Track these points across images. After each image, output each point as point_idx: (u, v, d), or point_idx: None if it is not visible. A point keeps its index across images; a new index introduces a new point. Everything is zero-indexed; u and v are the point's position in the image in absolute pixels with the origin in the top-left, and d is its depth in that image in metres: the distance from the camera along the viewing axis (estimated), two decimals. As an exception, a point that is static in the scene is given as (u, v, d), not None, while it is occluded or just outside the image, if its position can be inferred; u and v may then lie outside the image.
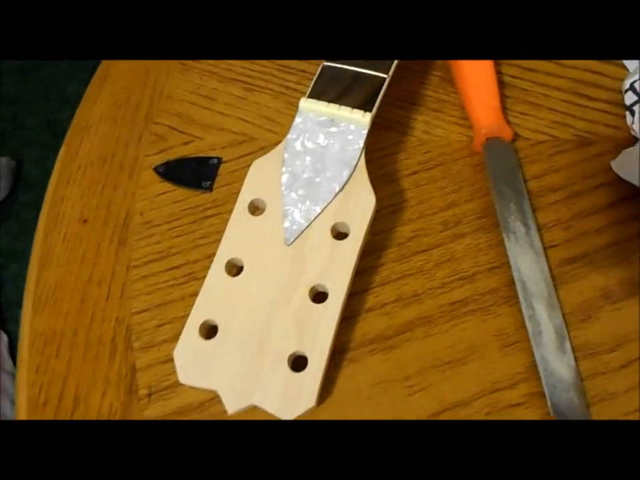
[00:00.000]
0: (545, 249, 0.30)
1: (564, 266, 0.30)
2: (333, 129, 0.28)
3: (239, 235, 0.27)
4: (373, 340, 0.28)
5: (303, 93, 0.36)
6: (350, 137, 0.28)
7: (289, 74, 0.37)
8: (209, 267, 0.29)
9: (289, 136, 0.28)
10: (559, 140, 0.34)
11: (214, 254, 0.30)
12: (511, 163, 0.32)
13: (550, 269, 0.29)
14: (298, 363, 0.25)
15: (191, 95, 0.36)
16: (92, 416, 0.26)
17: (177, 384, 0.26)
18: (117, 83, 0.37)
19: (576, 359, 0.27)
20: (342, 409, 0.26)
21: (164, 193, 0.32)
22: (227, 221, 0.31)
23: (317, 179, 0.27)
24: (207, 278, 0.26)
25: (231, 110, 0.35)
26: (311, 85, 0.29)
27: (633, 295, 0.29)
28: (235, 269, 0.27)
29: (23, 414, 0.26)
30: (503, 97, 0.35)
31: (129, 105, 0.36)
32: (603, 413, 0.26)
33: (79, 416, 0.26)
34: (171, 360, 0.27)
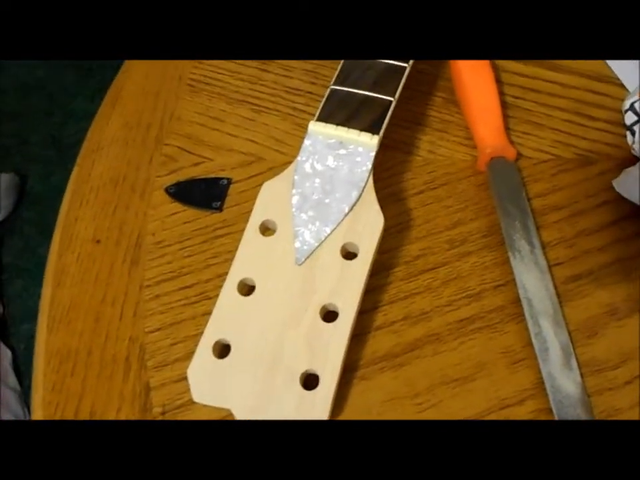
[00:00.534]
0: (549, 266, 0.30)
1: (569, 283, 0.30)
2: (342, 151, 0.29)
3: (251, 255, 0.27)
4: (382, 358, 0.28)
5: (311, 115, 0.37)
6: (358, 159, 0.29)
7: (297, 95, 0.38)
8: (220, 287, 0.30)
9: (298, 158, 0.29)
10: (561, 159, 0.34)
11: (225, 273, 0.31)
12: (515, 182, 0.33)
13: (555, 287, 0.29)
14: (310, 381, 0.25)
15: (200, 116, 0.37)
16: (106, 434, 0.27)
17: (190, 402, 0.27)
18: (127, 105, 0.38)
19: (582, 375, 0.27)
20: (353, 426, 0.27)
21: (175, 213, 0.33)
22: (237, 240, 0.32)
23: (327, 200, 0.28)
24: (220, 298, 0.27)
25: (239, 131, 0.36)
26: (319, 108, 0.30)
27: (636, 311, 0.29)
28: (246, 288, 0.27)
29: (38, 433, 0.26)
30: (505, 117, 0.35)
31: (139, 127, 0.37)
32: (609, 428, 0.26)
33: (93, 434, 0.27)
34: (184, 379, 0.27)
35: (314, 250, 0.27)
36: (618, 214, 0.32)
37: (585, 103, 0.36)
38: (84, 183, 0.34)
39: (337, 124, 0.29)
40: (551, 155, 0.35)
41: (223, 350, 0.26)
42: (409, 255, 0.31)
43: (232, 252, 0.31)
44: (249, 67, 0.39)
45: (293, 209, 0.28)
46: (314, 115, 0.37)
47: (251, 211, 0.33)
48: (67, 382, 0.28)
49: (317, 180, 0.28)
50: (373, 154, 0.29)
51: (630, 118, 0.34)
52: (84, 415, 0.27)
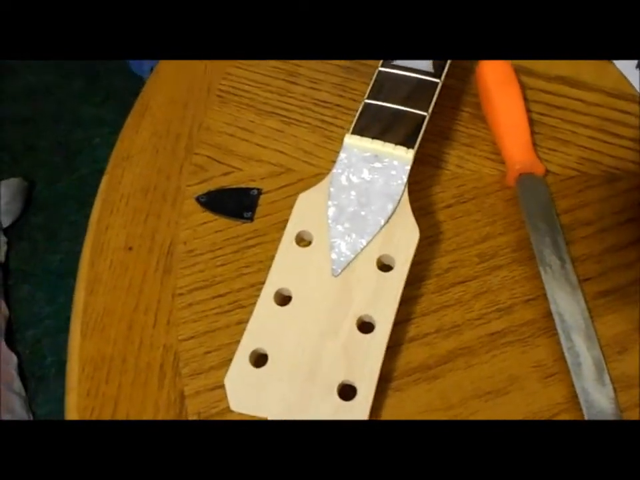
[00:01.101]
0: (579, 282, 0.30)
1: (598, 299, 0.30)
2: (377, 165, 0.29)
3: (287, 266, 0.28)
4: (416, 369, 0.28)
5: (340, 127, 0.37)
6: (393, 172, 0.29)
7: (325, 108, 0.38)
8: (253, 296, 0.30)
9: (334, 170, 0.29)
10: (587, 175, 0.35)
11: (258, 283, 0.31)
12: (544, 199, 0.33)
13: (586, 302, 0.30)
14: (346, 392, 0.25)
15: (229, 126, 0.37)
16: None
17: (226, 411, 0.27)
18: (156, 114, 0.38)
19: (615, 390, 0.27)
20: (386, 438, 0.27)
21: (206, 222, 0.33)
22: (269, 250, 0.32)
23: (362, 213, 0.28)
24: (257, 307, 0.27)
25: (268, 142, 0.37)
26: (354, 122, 0.31)
27: (665, 328, 0.29)
28: (283, 298, 0.27)
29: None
30: (532, 134, 0.36)
31: (169, 136, 0.37)
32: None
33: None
34: (219, 387, 0.27)
35: (350, 261, 0.27)
36: (644, 231, 0.33)
37: (609, 120, 0.37)
38: (114, 191, 0.35)
39: (372, 137, 0.30)
40: (577, 171, 0.35)
41: (259, 359, 0.26)
42: (440, 267, 0.32)
43: (264, 262, 0.32)
44: (277, 79, 0.39)
45: (329, 221, 0.28)
46: (343, 128, 0.37)
47: (282, 221, 0.33)
48: (102, 388, 0.28)
49: (353, 192, 0.29)
50: (408, 167, 0.29)
51: (656, 136, 0.34)
52: (118, 422, 0.27)
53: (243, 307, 0.30)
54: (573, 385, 0.27)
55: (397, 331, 0.29)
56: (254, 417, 0.25)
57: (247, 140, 0.37)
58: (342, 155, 0.30)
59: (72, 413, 0.27)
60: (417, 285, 0.31)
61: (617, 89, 0.38)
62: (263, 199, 0.34)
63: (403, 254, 0.27)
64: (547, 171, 0.35)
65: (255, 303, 0.27)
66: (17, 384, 0.90)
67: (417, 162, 0.35)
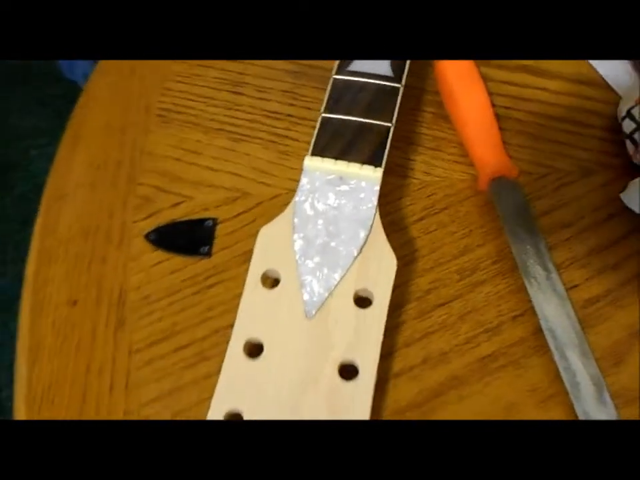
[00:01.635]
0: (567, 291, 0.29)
1: (588, 307, 0.29)
2: (344, 187, 0.27)
3: (254, 312, 0.25)
4: (406, 408, 0.26)
5: (294, 140, 0.34)
6: (362, 195, 0.26)
7: (277, 120, 0.35)
8: (219, 343, 0.27)
9: (296, 198, 0.26)
10: (561, 172, 0.33)
11: (223, 327, 0.28)
12: (520, 202, 0.31)
13: (576, 313, 0.28)
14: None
15: (174, 149, 0.34)
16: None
17: (202, 483, 0.24)
18: (90, 144, 0.34)
19: (616, 407, 0.26)
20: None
21: (159, 262, 0.30)
22: (232, 289, 0.29)
23: (332, 244, 0.26)
24: (225, 362, 0.24)
25: (219, 164, 0.33)
26: (313, 141, 0.28)
27: (659, 329, 0.28)
28: (254, 349, 0.25)
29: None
30: (500, 131, 0.34)
31: (107, 167, 0.33)
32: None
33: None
34: (192, 456, 0.24)
35: (324, 300, 0.25)
36: (626, 227, 0.31)
37: (576, 109, 0.35)
38: (50, 237, 0.31)
39: (335, 157, 0.27)
40: (551, 167, 0.33)
41: (235, 419, 0.23)
42: (419, 289, 0.29)
43: (228, 302, 0.29)
44: (221, 91, 0.36)
45: (297, 256, 0.25)
46: (297, 140, 0.34)
47: (242, 253, 0.30)
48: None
49: (320, 221, 0.26)
50: (377, 188, 0.26)
51: (628, 126, 0.33)
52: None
53: (208, 358, 0.27)
54: (572, 406, 0.26)
55: (381, 366, 0.27)
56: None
57: (195, 163, 0.33)
58: (303, 180, 0.27)
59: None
60: (397, 312, 0.28)
61: (580, 74, 0.36)
62: (219, 230, 0.31)
63: (382, 286, 0.25)
64: (520, 171, 0.33)
65: (222, 352, 0.24)
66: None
67: (383, 172, 0.32)
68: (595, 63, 0.37)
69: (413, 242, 0.31)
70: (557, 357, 0.27)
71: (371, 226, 0.26)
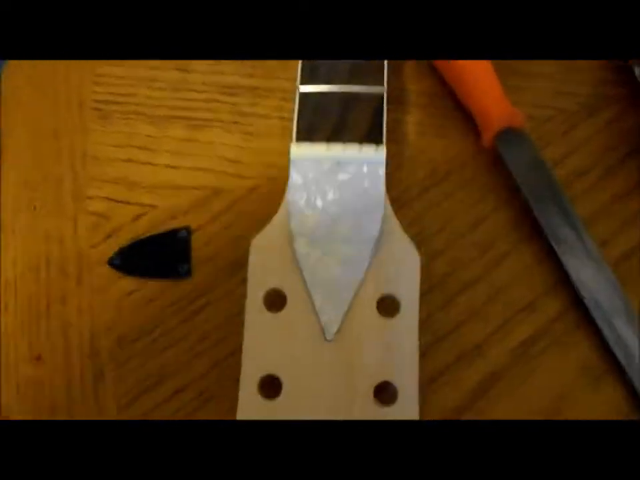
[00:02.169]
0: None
1: (622, 264, 0.26)
2: (343, 176, 0.22)
3: (264, 343, 0.21)
4: (447, 417, 0.23)
5: (261, 116, 0.29)
6: (366, 182, 0.22)
7: (237, 96, 0.30)
8: (223, 379, 0.23)
9: (288, 197, 0.22)
10: (566, 113, 0.29)
11: (222, 359, 0.24)
12: (532, 155, 0.27)
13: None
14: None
15: (123, 149, 0.28)
16: None
17: None
18: (19, 158, 0.28)
19: (674, 375, 0.23)
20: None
21: (131, 292, 0.25)
22: (223, 310, 0.25)
23: (342, 248, 0.21)
24: (240, 408, 0.20)
25: (179, 159, 0.28)
26: (295, 122, 0.23)
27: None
28: (270, 387, 0.21)
29: None
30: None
31: (46, 184, 0.28)
32: None
33: None
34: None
35: (343, 316, 0.21)
36: (647, 164, 0.28)
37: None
38: (-7, 279, 0.26)
39: (327, 139, 0.22)
40: (554, 108, 0.29)
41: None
42: (436, 274, 0.26)
43: (223, 327, 0.25)
44: (167, 70, 0.30)
45: (302, 268, 0.21)
46: (266, 117, 0.29)
47: (229, 263, 0.26)
48: None
49: (321, 222, 0.22)
50: (382, 171, 0.22)
51: None
52: None
53: (215, 397, 0.23)
54: (628, 380, 0.23)
55: (414, 373, 0.23)
56: None
57: (150, 163, 0.28)
58: (293, 175, 0.22)
59: None
60: (420, 306, 0.25)
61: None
62: (196, 240, 0.26)
63: (407, 287, 0.21)
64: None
65: (228, 387, 0.21)
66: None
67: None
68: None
69: (420, 219, 0.27)
70: (605, 330, 0.24)
71: (383, 218, 0.22)
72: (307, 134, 0.23)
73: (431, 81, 0.30)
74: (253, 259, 0.21)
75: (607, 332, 0.24)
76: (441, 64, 0.29)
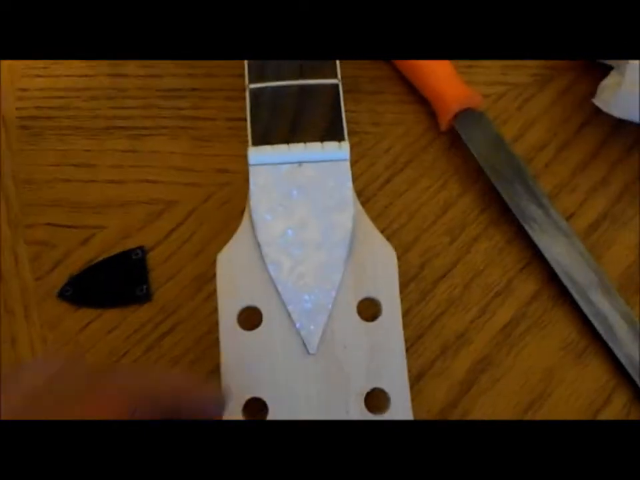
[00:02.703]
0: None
1: (590, 235, 0.26)
2: (306, 177, 0.21)
3: (242, 365, 0.19)
4: (440, 413, 0.22)
5: (208, 119, 0.28)
6: (331, 181, 0.21)
7: (178, 98, 0.28)
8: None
9: (252, 205, 0.20)
10: (518, 86, 0.29)
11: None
12: (492, 135, 0.27)
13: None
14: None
15: (59, 169, 0.26)
16: None
17: None
18: (-59, 186, 0.25)
19: (653, 341, 0.23)
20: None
21: (88, 324, 0.23)
22: (191, 331, 0.23)
23: (314, 254, 0.20)
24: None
25: (123, 173, 0.26)
26: (249, 125, 0.21)
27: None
28: (255, 410, 0.19)
29: None
30: (443, 54, 0.29)
31: (-24, 214, 0.25)
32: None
33: None
34: None
35: (324, 326, 0.20)
36: (601, 134, 0.28)
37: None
38: None
39: (286, 141, 0.21)
40: (506, 84, 0.29)
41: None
42: (411, 265, 0.25)
43: (194, 349, 0.23)
44: (97, 77, 0.28)
45: (275, 281, 0.20)
46: (213, 119, 0.28)
47: (193, 279, 0.24)
48: None
49: (289, 230, 0.20)
50: (347, 167, 0.21)
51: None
52: None
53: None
54: (611, 352, 0.23)
55: (400, 372, 0.23)
56: None
57: (93, 180, 0.26)
58: (253, 180, 0.21)
59: None
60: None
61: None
62: (152, 259, 0.24)
63: (386, 286, 0.20)
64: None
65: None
66: None
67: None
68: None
69: (386, 212, 0.26)
70: (582, 304, 0.24)
71: (353, 216, 0.20)
72: (264, 136, 0.21)
73: (383, 66, 0.29)
74: (220, 275, 0.20)
75: (584, 306, 0.24)
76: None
